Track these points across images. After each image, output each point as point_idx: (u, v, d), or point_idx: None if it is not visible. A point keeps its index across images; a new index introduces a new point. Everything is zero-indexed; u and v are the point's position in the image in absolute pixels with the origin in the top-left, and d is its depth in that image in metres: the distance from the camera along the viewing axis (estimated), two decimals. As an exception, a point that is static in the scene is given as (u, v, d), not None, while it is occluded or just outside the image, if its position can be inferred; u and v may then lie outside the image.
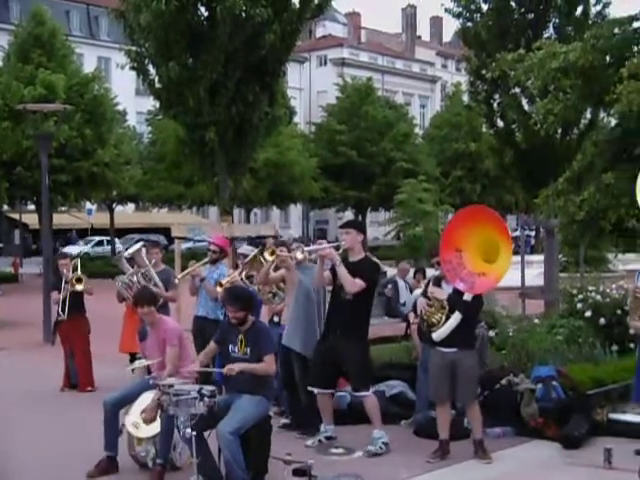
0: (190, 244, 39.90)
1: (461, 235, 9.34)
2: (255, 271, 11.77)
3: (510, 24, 22.62)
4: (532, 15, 22.65)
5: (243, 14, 24.03)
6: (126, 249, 14.20)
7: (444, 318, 9.32)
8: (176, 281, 12.55)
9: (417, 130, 67.27)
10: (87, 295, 13.88)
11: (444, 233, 9.93)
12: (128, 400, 9.16)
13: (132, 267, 13.14)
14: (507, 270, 9.30)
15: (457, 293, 9.37)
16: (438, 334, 9.34)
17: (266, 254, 11.01)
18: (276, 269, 11.20)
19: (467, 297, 9.33)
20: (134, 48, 25.54)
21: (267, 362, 8.51)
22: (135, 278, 12.74)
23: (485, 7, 23.33)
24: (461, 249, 9.29)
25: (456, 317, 9.28)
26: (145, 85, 26.81)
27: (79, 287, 13.66)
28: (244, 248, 12.79)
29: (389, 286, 18.49)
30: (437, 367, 9.52)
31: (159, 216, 61.25)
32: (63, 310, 13.77)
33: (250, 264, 11.85)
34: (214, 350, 8.95)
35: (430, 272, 18.99)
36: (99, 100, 41.89)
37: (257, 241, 19.27)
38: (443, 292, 9.42)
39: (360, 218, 57.64)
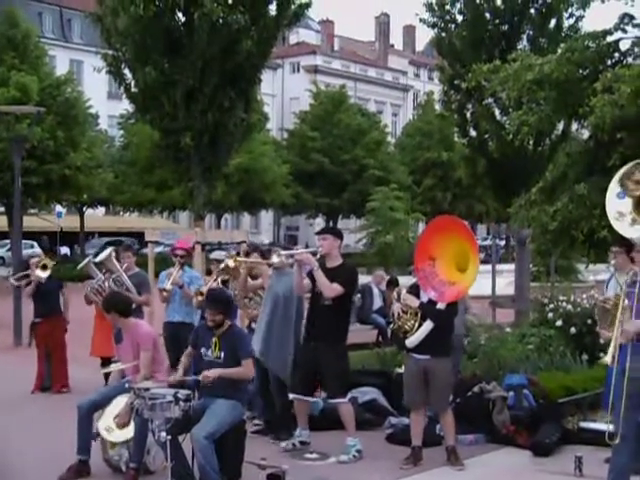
0: (160, 248, 39.74)
1: (435, 244, 9.41)
2: (231, 277, 11.79)
3: (484, 35, 22.71)
4: (506, 26, 22.74)
5: (220, 20, 24.03)
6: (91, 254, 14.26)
7: (417, 325, 9.39)
8: (168, 287, 12.44)
9: (389, 138, 67.48)
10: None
11: (418, 242, 10.00)
12: (102, 403, 9.14)
13: (101, 272, 13.11)
14: (474, 280, 9.39)
15: (430, 301, 9.43)
16: (411, 340, 9.40)
17: (229, 261, 11.07)
18: (255, 277, 11.26)
19: (440, 305, 9.40)
20: (110, 52, 25.47)
21: (245, 366, 8.54)
22: (107, 284, 12.71)
23: (460, 18, 23.43)
24: (435, 257, 9.36)
25: (427, 325, 9.33)
26: (121, 89, 26.73)
27: (44, 274, 13.67)
28: (217, 254, 12.80)
29: (358, 295, 18.53)
30: (411, 374, 9.57)
31: (130, 220, 61.04)
32: (38, 311, 13.89)
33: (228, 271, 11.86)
34: (189, 357, 8.98)
35: (403, 280, 19.13)
36: (71, 103, 41.73)
37: (226, 247, 19.30)
38: (414, 299, 9.46)
39: (331, 225, 57.72)
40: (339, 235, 10.13)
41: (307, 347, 9.93)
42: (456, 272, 9.31)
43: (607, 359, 7.63)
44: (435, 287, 9.32)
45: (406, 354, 9.71)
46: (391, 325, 15.99)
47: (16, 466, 9.39)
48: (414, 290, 9.63)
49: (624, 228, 7.95)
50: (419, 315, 9.37)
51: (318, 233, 10.28)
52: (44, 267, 13.80)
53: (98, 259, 13.19)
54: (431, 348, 9.34)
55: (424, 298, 9.45)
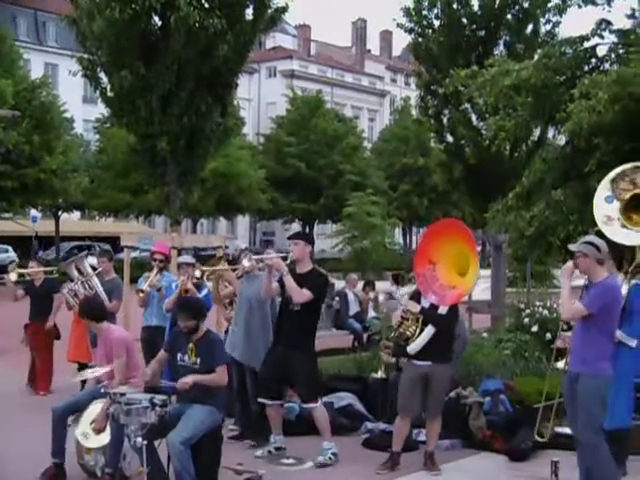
0: (136, 253, 39.60)
1: (435, 248, 9.41)
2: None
3: (461, 40, 22.84)
4: (483, 32, 22.89)
5: (197, 24, 24.02)
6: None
7: (418, 331, 9.36)
8: (144, 288, 12.40)
9: (366, 143, 67.58)
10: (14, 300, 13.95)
11: (418, 247, 10.00)
12: (77, 407, 9.10)
13: (80, 275, 13.10)
14: (474, 283, 9.41)
15: (432, 306, 9.41)
16: (412, 347, 9.36)
17: (196, 272, 11.09)
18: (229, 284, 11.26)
19: (442, 310, 9.38)
20: (86, 55, 25.39)
21: (219, 373, 8.47)
22: (77, 287, 12.68)
23: (437, 23, 23.53)
24: (435, 262, 9.36)
25: (429, 330, 9.30)
26: (96, 93, 26.65)
27: (13, 276, 13.66)
28: (184, 257, 12.75)
29: (337, 298, 18.53)
30: (410, 379, 9.48)
31: (105, 225, 60.80)
32: (30, 313, 13.99)
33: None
34: (165, 358, 8.93)
35: (380, 285, 19.14)
36: (47, 106, 41.63)
37: (196, 252, 19.24)
38: (416, 305, 9.44)
39: (307, 230, 57.77)
40: (310, 241, 10.13)
41: (275, 351, 9.90)
42: (456, 276, 9.32)
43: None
44: (436, 291, 9.32)
45: (407, 361, 9.67)
46: (367, 331, 16.04)
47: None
48: (415, 297, 9.61)
49: (614, 232, 7.99)
50: (420, 321, 9.35)
51: (290, 238, 10.26)
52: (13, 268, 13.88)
53: (69, 261, 13.20)
54: (432, 354, 9.30)
55: (425, 304, 9.43)
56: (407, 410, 9.54)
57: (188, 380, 8.28)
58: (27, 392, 13.82)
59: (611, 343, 7.96)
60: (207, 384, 8.39)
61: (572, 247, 7.89)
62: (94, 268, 13.21)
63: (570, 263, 8.00)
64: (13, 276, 13.76)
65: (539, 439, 9.02)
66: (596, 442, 7.81)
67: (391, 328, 9.90)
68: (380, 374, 11.21)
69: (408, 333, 9.39)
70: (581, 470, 8.14)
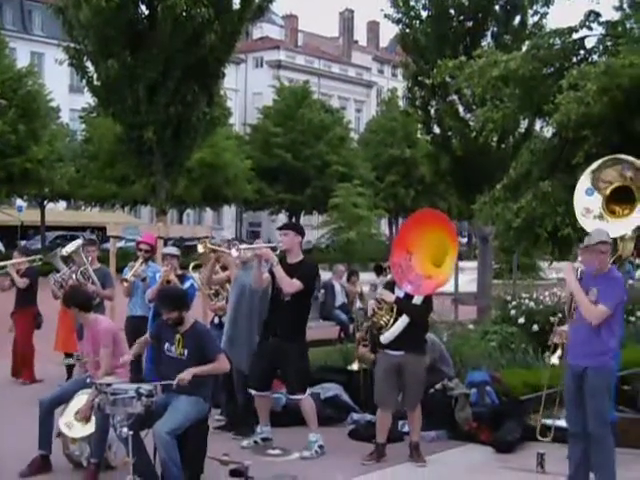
0: (122, 243, 39.58)
1: (413, 237, 9.39)
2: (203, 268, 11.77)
3: (449, 31, 22.75)
4: (471, 23, 22.82)
5: (184, 13, 23.95)
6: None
7: (392, 321, 9.35)
8: (128, 277, 12.39)
9: (352, 134, 67.56)
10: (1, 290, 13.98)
11: (396, 236, 9.98)
12: (64, 399, 9.07)
13: (66, 265, 13.09)
14: (450, 274, 9.39)
15: (407, 297, 9.40)
16: (386, 336, 9.36)
17: (199, 246, 11.03)
18: (223, 269, 11.21)
19: (416, 301, 9.38)
20: (72, 45, 25.29)
21: (219, 361, 8.47)
22: (74, 276, 12.68)
23: (424, 14, 23.45)
24: (412, 251, 9.34)
25: (403, 320, 9.30)
26: (83, 82, 26.55)
27: None
28: (168, 249, 12.72)
29: (322, 291, 18.51)
30: (384, 370, 9.49)
31: (91, 215, 60.68)
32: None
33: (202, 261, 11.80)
34: (147, 342, 8.92)
35: (365, 275, 19.14)
36: (33, 96, 41.51)
37: (180, 242, 19.21)
38: (391, 295, 9.44)
39: (294, 221, 57.73)
40: (300, 231, 10.09)
41: (265, 342, 9.89)
42: (431, 266, 9.30)
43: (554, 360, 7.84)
44: (411, 281, 9.30)
45: (380, 351, 9.66)
46: (353, 322, 16.03)
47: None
48: (389, 286, 9.60)
49: (590, 225, 7.98)
50: (394, 310, 9.34)
51: (280, 228, 10.25)
52: None
53: (64, 251, 13.15)
54: (406, 344, 9.29)
55: (400, 294, 9.42)
56: (385, 401, 9.55)
57: (186, 375, 8.23)
58: (14, 383, 13.79)
59: (617, 335, 7.93)
60: (208, 374, 8.39)
61: (594, 241, 7.73)
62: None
63: (570, 264, 7.94)
64: None
65: (542, 439, 8.94)
66: (605, 434, 7.81)
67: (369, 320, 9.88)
68: (356, 366, 11.16)
69: (382, 322, 9.39)
70: (571, 462, 8.13)
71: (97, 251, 13.53)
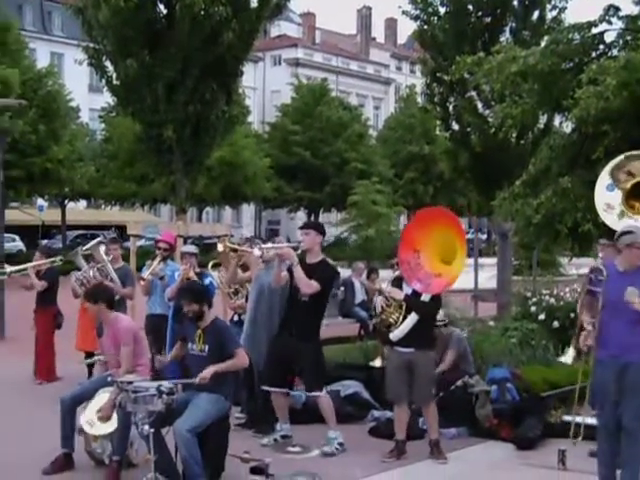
0: (142, 242, 39.70)
1: (420, 235, 9.38)
2: (224, 268, 11.78)
3: (467, 27, 22.64)
4: (489, 19, 22.72)
5: (202, 12, 23.97)
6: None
7: (401, 318, 9.36)
8: (146, 276, 12.43)
9: (371, 131, 67.47)
10: (26, 289, 14.01)
11: (403, 233, 9.95)
12: (85, 397, 9.11)
13: (87, 263, 13.13)
14: (461, 271, 9.37)
15: (415, 294, 9.41)
16: (395, 334, 9.37)
17: (219, 245, 11.04)
18: (245, 269, 11.21)
19: (425, 298, 9.38)
20: (92, 44, 25.37)
21: (238, 356, 8.51)
22: (91, 273, 12.71)
23: (442, 10, 23.37)
24: (419, 249, 9.33)
25: (413, 317, 9.31)
26: (102, 82, 26.63)
27: (8, 268, 13.75)
28: (187, 247, 12.77)
29: (342, 288, 18.52)
30: (394, 367, 9.54)
31: (111, 214, 60.89)
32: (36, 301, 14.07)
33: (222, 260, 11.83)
34: (180, 347, 8.95)
35: (384, 273, 19.13)
36: (53, 96, 41.66)
37: (200, 241, 19.26)
38: (399, 292, 9.45)
39: (313, 219, 57.74)
40: (322, 231, 10.10)
41: (281, 340, 9.90)
42: (440, 264, 9.29)
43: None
44: (421, 279, 9.30)
45: (390, 348, 9.68)
46: (373, 319, 16.06)
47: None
48: (397, 283, 9.60)
49: (612, 220, 7.93)
50: (403, 308, 9.34)
51: (301, 227, 10.27)
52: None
53: (85, 248, 13.20)
54: (415, 341, 9.33)
55: (407, 290, 9.42)
56: (398, 397, 9.57)
57: (205, 373, 8.26)
58: (36, 381, 13.85)
59: None
60: (228, 370, 8.41)
61: (627, 240, 7.61)
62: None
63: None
64: (8, 268, 13.85)
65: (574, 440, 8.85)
66: (638, 427, 7.70)
67: None
68: (378, 363, 11.17)
69: (391, 320, 9.39)
70: (604, 458, 7.93)
71: (120, 249, 13.58)
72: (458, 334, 11.73)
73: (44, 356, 13.96)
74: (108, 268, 12.81)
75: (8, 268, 13.93)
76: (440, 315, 11.46)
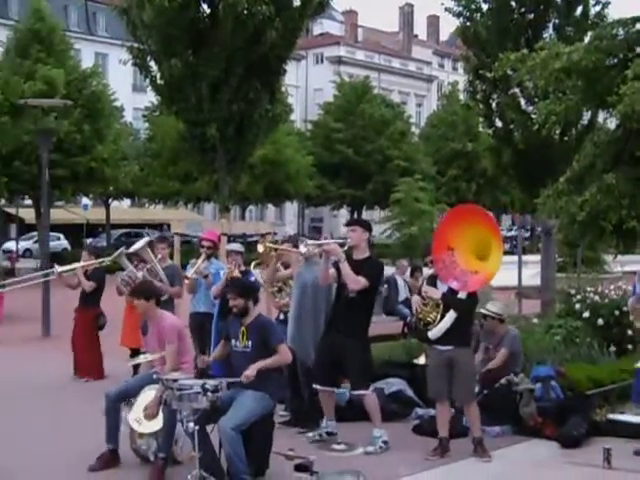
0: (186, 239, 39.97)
1: (453, 233, 9.38)
2: (266, 267, 11.82)
3: (510, 24, 22.53)
4: (532, 15, 22.59)
5: (245, 11, 24.05)
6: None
7: (439, 317, 9.36)
8: (190, 274, 12.51)
9: (413, 129, 67.31)
10: (69, 288, 14.13)
11: (436, 232, 9.94)
12: (130, 393, 9.20)
13: (132, 263, 13.19)
14: (499, 267, 9.34)
15: (451, 291, 9.40)
16: (434, 332, 9.38)
17: (259, 246, 11.07)
18: (287, 267, 11.25)
19: (462, 295, 9.37)
20: (136, 45, 25.54)
21: (281, 352, 8.57)
22: (140, 274, 12.75)
23: (485, 7, 23.28)
24: (453, 247, 9.32)
25: (451, 315, 9.31)
26: (146, 81, 26.82)
27: (58, 269, 13.84)
28: (232, 245, 12.82)
29: (385, 286, 18.50)
30: (434, 365, 9.56)
31: (154, 212, 61.30)
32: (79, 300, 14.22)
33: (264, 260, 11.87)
34: (223, 351, 9.02)
35: (427, 271, 19.10)
36: (97, 96, 41.99)
37: (243, 239, 19.35)
38: (437, 291, 9.45)
39: (355, 216, 57.70)
40: (368, 227, 10.09)
41: (329, 337, 9.92)
42: (476, 261, 9.27)
43: None
44: (457, 277, 9.29)
45: (429, 346, 9.68)
46: (408, 319, 16.07)
47: (45, 455, 9.45)
48: (432, 281, 9.60)
49: None
50: (441, 306, 9.33)
51: (347, 224, 10.30)
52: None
53: (132, 249, 13.25)
54: (454, 339, 9.34)
55: (443, 288, 9.41)
56: (439, 395, 9.58)
57: (250, 373, 8.31)
58: (78, 379, 13.99)
59: None
60: (271, 367, 8.46)
61: None
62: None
63: None
64: (58, 270, 13.94)
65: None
66: None
67: None
68: (422, 360, 11.19)
69: (429, 319, 9.39)
70: None
71: (167, 248, 13.64)
72: (514, 332, 11.66)
73: (87, 355, 14.05)
74: (157, 268, 12.84)
75: (58, 268, 14.00)
76: (498, 308, 11.47)
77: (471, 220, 9.39)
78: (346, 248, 9.73)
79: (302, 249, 10.03)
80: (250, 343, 8.54)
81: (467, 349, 9.59)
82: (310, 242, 10.15)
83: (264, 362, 8.38)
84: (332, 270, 9.78)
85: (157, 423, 8.68)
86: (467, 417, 9.78)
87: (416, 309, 9.58)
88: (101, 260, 14.32)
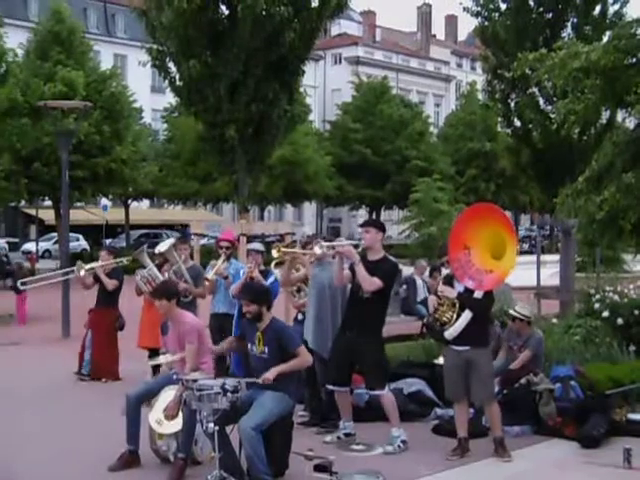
0: (204, 240, 40.16)
1: (469, 232, 9.36)
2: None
3: (528, 23, 22.61)
4: (550, 14, 22.65)
5: (264, 12, 24.13)
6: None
7: (455, 316, 9.35)
8: (210, 276, 12.53)
9: (432, 129, 67.22)
10: (84, 288, 14.13)
11: (452, 232, 9.92)
12: (150, 394, 9.22)
13: (153, 262, 13.19)
14: (513, 266, 9.32)
15: (467, 291, 9.38)
16: (450, 332, 9.36)
17: (273, 252, 11.08)
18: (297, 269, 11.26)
19: (478, 295, 9.35)
20: (155, 46, 25.66)
21: (300, 355, 8.58)
22: (166, 275, 12.70)
23: (503, 6, 23.34)
24: (469, 246, 9.30)
25: (466, 315, 9.29)
26: (165, 83, 26.95)
27: (81, 272, 13.84)
28: (253, 245, 12.82)
29: (404, 286, 18.51)
30: (451, 365, 9.54)
31: (174, 213, 61.43)
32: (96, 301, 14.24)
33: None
34: (233, 343, 9.04)
35: (446, 271, 19.09)
36: (116, 97, 42.12)
37: (263, 239, 19.37)
38: (452, 290, 9.43)
39: (374, 216, 57.71)
40: (382, 228, 10.09)
41: (343, 338, 9.91)
42: (491, 260, 9.26)
43: None
44: (472, 276, 9.27)
45: (445, 346, 9.67)
46: (424, 319, 16.13)
47: (64, 456, 9.50)
48: (448, 281, 9.59)
49: None
50: (457, 306, 9.33)
51: (361, 225, 10.27)
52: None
53: (158, 250, 13.26)
54: (471, 339, 9.31)
55: (459, 288, 9.40)
56: (457, 395, 9.56)
57: (270, 375, 8.33)
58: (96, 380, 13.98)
59: None
60: (291, 370, 8.48)
61: None
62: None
63: None
64: (82, 272, 13.96)
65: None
66: None
67: None
68: (442, 360, 11.20)
69: (445, 319, 9.38)
70: None
71: (189, 249, 13.66)
72: (539, 336, 11.64)
73: (107, 356, 14.07)
74: (182, 269, 12.84)
75: (84, 265, 14.04)
76: (527, 311, 11.47)
77: (486, 218, 9.37)
78: (360, 249, 9.74)
79: (317, 250, 10.04)
80: (267, 349, 8.54)
81: (484, 349, 9.55)
82: (324, 243, 10.16)
83: (284, 366, 8.40)
84: (347, 272, 9.78)
85: (177, 424, 8.70)
86: (488, 417, 9.75)
87: (432, 309, 9.58)
88: (119, 260, 14.38)
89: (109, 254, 14.36)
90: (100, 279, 13.98)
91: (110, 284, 13.91)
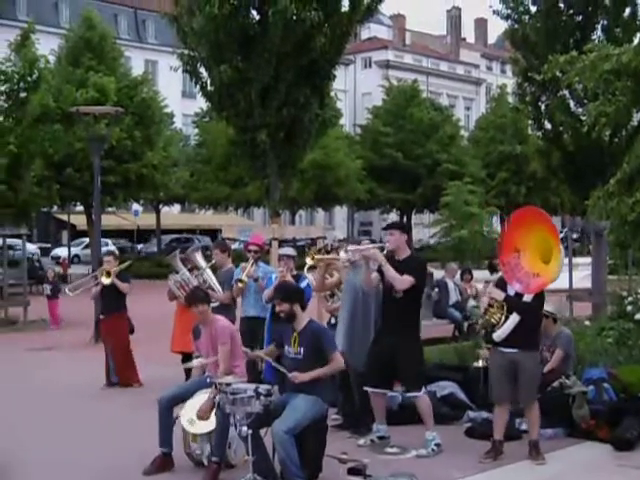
0: (236, 245, 40.40)
1: (519, 235, 9.35)
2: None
3: (558, 25, 22.52)
4: (580, 17, 22.57)
5: (294, 17, 24.17)
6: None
7: (503, 318, 9.34)
8: (243, 277, 12.53)
9: (462, 132, 67.09)
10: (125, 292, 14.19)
11: (504, 234, 9.91)
12: (183, 398, 9.27)
13: (186, 267, 13.21)
14: (559, 270, 9.31)
15: (516, 294, 9.36)
16: (498, 334, 9.34)
17: (307, 259, 11.12)
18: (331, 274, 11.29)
19: (527, 298, 9.33)
20: (186, 51, 25.79)
21: (334, 360, 8.59)
22: (201, 280, 12.71)
23: (533, 9, 23.29)
24: (520, 249, 9.30)
25: (514, 318, 9.26)
26: (196, 88, 27.07)
27: (106, 280, 13.90)
28: (285, 249, 12.86)
29: (436, 289, 18.52)
30: (498, 367, 9.49)
31: (205, 217, 61.63)
32: (102, 309, 14.38)
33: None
34: (273, 350, 9.05)
35: (477, 273, 19.07)
36: (148, 102, 42.37)
37: (294, 243, 19.39)
38: (500, 293, 9.41)
39: (405, 220, 57.71)
40: (405, 229, 10.19)
41: (380, 340, 9.93)
42: (540, 263, 9.24)
43: None
44: (520, 279, 9.26)
45: (493, 348, 9.65)
46: (467, 320, 16.09)
47: (97, 460, 9.58)
48: (501, 284, 9.56)
49: None
50: (505, 308, 9.32)
51: (385, 229, 10.34)
52: (108, 274, 14.07)
53: (185, 253, 13.33)
54: (519, 341, 9.25)
55: (511, 292, 9.39)
56: (501, 398, 9.53)
57: (302, 377, 8.37)
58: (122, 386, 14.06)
59: None
60: (325, 375, 8.52)
61: None
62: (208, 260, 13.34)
63: None
64: (106, 281, 14.03)
65: None
66: None
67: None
68: (481, 363, 11.21)
69: (493, 320, 9.37)
70: None
71: (222, 253, 13.57)
72: (567, 334, 11.57)
73: (128, 360, 14.16)
74: (206, 274, 12.73)
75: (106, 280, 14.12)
76: (551, 307, 11.38)
77: (536, 223, 9.36)
78: (385, 252, 9.76)
79: (342, 255, 10.09)
80: (302, 350, 8.56)
81: (533, 353, 9.48)
82: (350, 247, 10.20)
83: (319, 371, 8.42)
84: (374, 274, 9.81)
85: (210, 424, 8.72)
86: (527, 419, 9.69)
87: (483, 310, 9.57)
88: (127, 265, 14.50)
89: (115, 259, 14.45)
90: (116, 285, 14.02)
91: (125, 287, 14.02)
